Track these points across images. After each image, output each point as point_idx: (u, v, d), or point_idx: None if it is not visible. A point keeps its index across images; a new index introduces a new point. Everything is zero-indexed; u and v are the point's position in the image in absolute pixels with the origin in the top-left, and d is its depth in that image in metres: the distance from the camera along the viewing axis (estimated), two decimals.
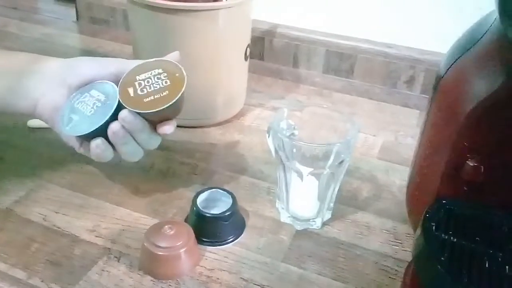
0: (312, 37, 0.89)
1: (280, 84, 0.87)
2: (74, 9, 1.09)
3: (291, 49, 0.91)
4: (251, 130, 0.73)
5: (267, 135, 0.55)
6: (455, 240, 0.41)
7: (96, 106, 0.48)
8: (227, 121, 0.74)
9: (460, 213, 0.44)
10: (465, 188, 0.44)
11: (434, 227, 0.42)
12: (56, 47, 0.98)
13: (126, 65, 0.50)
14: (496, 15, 0.38)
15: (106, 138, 0.48)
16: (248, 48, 0.71)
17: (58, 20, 1.10)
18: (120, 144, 0.48)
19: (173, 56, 0.51)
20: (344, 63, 0.88)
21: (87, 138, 0.49)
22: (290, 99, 0.82)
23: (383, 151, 0.69)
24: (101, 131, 0.48)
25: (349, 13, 0.86)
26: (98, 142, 0.48)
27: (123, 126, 0.47)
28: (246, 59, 0.72)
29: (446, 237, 0.41)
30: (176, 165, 0.64)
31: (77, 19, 1.09)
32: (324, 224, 0.55)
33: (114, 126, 0.47)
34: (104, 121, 0.47)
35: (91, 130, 0.47)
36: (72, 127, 0.48)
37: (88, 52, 0.96)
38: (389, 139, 0.72)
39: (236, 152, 0.67)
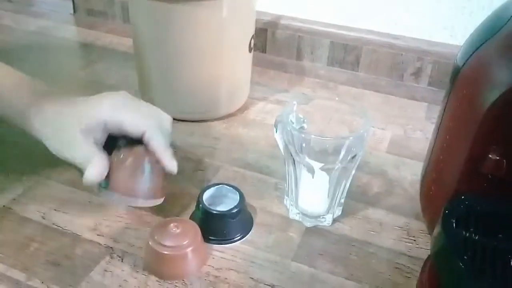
0: (315, 28, 0.86)
1: (284, 77, 0.85)
2: (71, 1, 1.06)
3: (294, 41, 0.88)
4: (256, 124, 0.70)
5: (274, 129, 0.53)
6: (476, 237, 0.39)
7: None
8: (231, 115, 0.72)
9: (480, 208, 0.42)
10: (485, 183, 0.42)
11: (454, 224, 0.40)
12: (53, 39, 0.95)
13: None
14: None
15: None
16: (252, 40, 0.69)
17: (54, 13, 1.07)
18: None
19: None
20: (349, 55, 0.85)
21: None
22: (295, 92, 0.80)
23: (392, 145, 0.67)
24: None
25: (353, 3, 0.84)
26: None
27: None
28: (250, 50, 0.70)
29: (467, 234, 0.39)
30: (180, 161, 0.61)
31: (74, 11, 1.06)
32: (334, 220, 0.53)
33: None
34: None
35: None
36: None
37: (85, 45, 0.94)
38: (397, 133, 0.70)
39: (241, 146, 0.65)
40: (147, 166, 0.47)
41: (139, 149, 0.48)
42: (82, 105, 0.49)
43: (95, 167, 0.46)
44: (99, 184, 0.47)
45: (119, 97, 0.50)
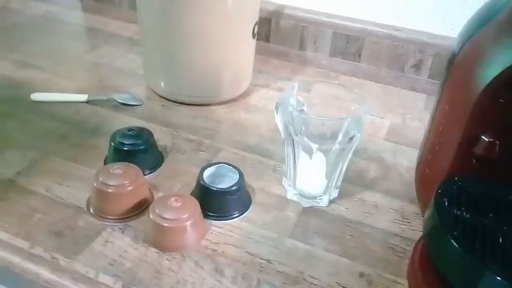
0: (319, 19, 0.87)
1: (286, 66, 0.86)
2: None
3: (297, 31, 0.89)
4: (258, 109, 0.72)
5: (275, 111, 0.54)
6: (467, 215, 0.40)
7: None
8: (233, 100, 0.73)
9: (472, 189, 0.43)
10: (478, 165, 0.43)
11: (446, 203, 0.41)
12: (60, 24, 0.97)
13: None
14: None
15: None
16: (256, 26, 0.70)
17: None
18: None
19: None
20: (351, 46, 0.86)
21: None
22: (297, 80, 0.81)
23: (390, 133, 0.68)
24: None
25: None
26: None
27: None
28: (253, 36, 0.71)
29: (459, 212, 0.41)
30: (181, 141, 0.63)
31: None
32: (331, 202, 0.54)
33: None
34: None
35: None
36: None
37: (92, 30, 0.95)
38: (396, 122, 0.71)
39: (242, 130, 0.66)
40: None
41: None
42: None
43: None
44: None
45: None
